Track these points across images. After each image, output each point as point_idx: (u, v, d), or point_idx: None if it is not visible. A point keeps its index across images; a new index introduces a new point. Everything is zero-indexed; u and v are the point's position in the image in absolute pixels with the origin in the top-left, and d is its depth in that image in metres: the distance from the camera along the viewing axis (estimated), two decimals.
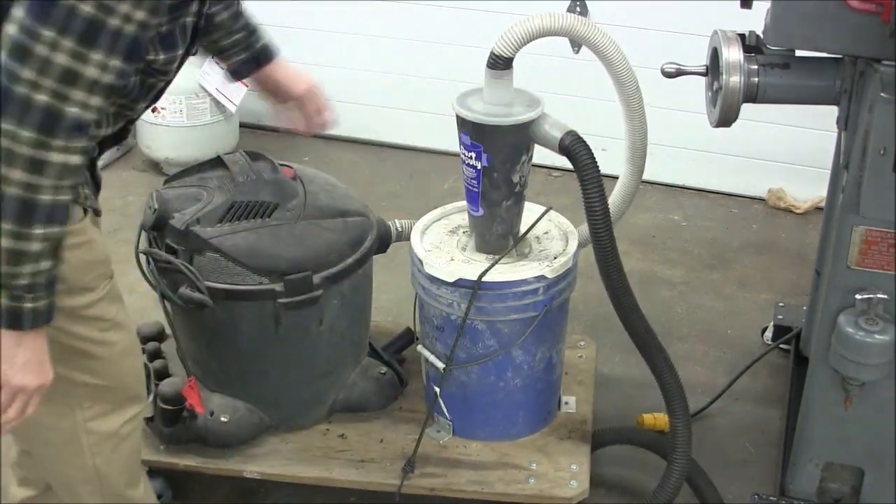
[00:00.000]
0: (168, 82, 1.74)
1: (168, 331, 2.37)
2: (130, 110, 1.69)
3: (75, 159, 1.41)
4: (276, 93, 2.16)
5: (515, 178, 2.13)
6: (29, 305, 1.47)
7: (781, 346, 2.91)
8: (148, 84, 1.66)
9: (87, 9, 1.35)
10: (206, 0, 1.68)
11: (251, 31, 2.02)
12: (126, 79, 1.47)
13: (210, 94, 3.88)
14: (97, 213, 1.74)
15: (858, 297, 2.04)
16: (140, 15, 1.40)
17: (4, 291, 1.44)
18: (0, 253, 1.41)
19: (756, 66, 2.09)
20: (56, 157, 1.38)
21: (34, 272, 1.44)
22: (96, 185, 1.75)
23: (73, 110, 1.37)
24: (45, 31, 1.34)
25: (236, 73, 2.09)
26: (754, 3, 2.15)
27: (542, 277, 2.16)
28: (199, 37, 1.73)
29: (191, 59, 1.78)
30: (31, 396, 1.57)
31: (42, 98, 1.35)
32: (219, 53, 2.04)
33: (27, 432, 1.88)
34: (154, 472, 2.28)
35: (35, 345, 1.53)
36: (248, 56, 2.05)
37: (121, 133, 1.77)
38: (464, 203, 2.26)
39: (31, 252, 1.43)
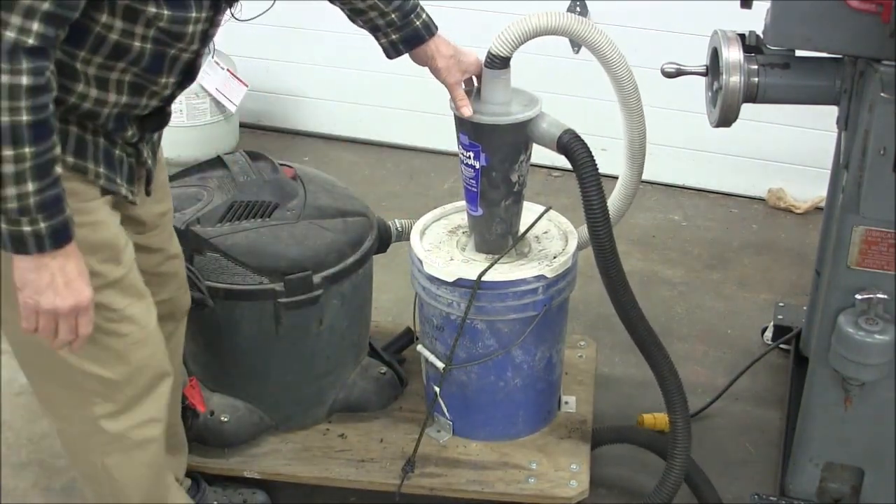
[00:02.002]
0: (196, 54, 1.71)
1: None
2: (154, 84, 1.67)
3: (26, 80, 1.41)
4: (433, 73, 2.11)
5: (514, 178, 2.13)
6: (28, 229, 1.48)
7: (781, 346, 2.91)
8: (170, 56, 1.65)
9: None
10: None
11: (406, 13, 1.99)
12: (71, 8, 1.45)
13: (210, 94, 3.88)
14: (127, 199, 1.74)
15: (858, 297, 2.03)
16: None
17: (3, 217, 1.47)
18: None
19: (756, 66, 2.08)
20: (3, 79, 1.40)
21: (19, 194, 1.45)
22: (133, 172, 1.75)
23: (9, 34, 1.39)
24: None
25: (387, 52, 2.07)
26: (754, 3, 2.15)
27: (541, 277, 2.16)
28: (223, 6, 1.71)
29: None
30: (73, 317, 1.58)
31: None
32: (373, 31, 2.03)
33: (49, 416, 1.88)
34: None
35: (56, 266, 1.53)
36: (399, 38, 2.02)
37: (160, 116, 1.78)
38: (463, 203, 2.26)
39: (8, 174, 1.44)
